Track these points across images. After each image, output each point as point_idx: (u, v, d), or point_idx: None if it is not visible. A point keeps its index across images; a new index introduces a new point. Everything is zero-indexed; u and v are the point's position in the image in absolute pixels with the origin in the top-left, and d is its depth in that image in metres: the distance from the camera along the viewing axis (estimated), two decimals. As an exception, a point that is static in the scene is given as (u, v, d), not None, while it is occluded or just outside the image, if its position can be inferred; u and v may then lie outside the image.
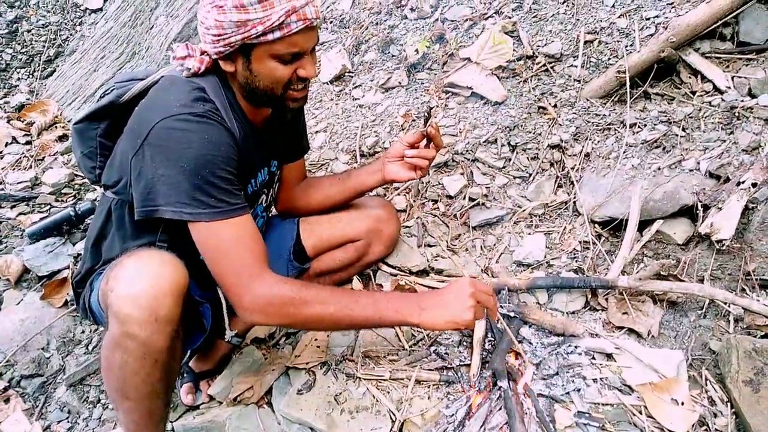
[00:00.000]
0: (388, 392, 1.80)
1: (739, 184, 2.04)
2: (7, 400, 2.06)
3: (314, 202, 2.07)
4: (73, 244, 2.64)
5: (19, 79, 3.93)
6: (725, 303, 1.93)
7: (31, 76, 3.96)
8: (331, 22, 3.32)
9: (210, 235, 1.43)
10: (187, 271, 1.42)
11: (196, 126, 1.42)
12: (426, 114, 1.81)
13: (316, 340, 1.97)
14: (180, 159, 1.38)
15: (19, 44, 3.97)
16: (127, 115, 1.57)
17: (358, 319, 1.49)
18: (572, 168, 2.42)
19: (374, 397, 1.78)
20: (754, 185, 2.01)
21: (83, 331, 2.32)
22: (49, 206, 2.97)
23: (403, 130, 2.69)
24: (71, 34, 4.09)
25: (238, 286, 1.43)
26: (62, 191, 3.06)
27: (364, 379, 1.82)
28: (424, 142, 1.86)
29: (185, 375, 1.98)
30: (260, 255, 1.47)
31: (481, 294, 1.49)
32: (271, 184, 1.91)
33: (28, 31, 4.00)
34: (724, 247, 2.00)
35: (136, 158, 1.44)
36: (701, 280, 2.04)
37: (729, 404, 1.68)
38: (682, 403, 1.67)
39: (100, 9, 4.11)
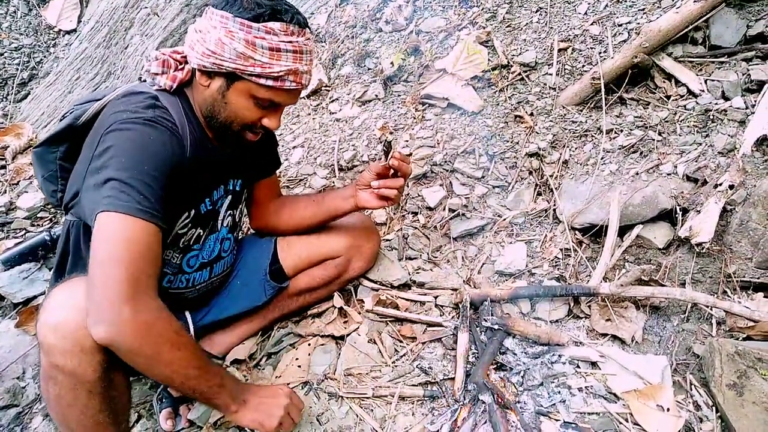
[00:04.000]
0: (372, 410, 1.77)
1: (716, 186, 2.05)
2: (-19, 433, 2.01)
3: (289, 222, 2.03)
4: (49, 270, 2.58)
5: (-8, 103, 3.88)
6: (707, 306, 1.92)
7: (4, 99, 3.91)
8: (306, 37, 3.30)
9: (118, 228, 1.27)
10: None
11: (141, 127, 1.39)
12: (385, 147, 1.77)
13: (297, 359, 1.94)
14: (118, 157, 1.33)
15: (-9, 68, 3.93)
16: (85, 137, 1.54)
17: (202, 384, 1.39)
18: (551, 175, 2.41)
19: (357, 416, 1.75)
20: (731, 187, 2.02)
21: (60, 359, 2.26)
22: (24, 231, 2.91)
23: (381, 142, 2.68)
24: (45, 56, 4.05)
25: (126, 292, 1.23)
26: (38, 215, 3.01)
27: (347, 398, 1.79)
28: (392, 171, 1.84)
29: (164, 400, 1.92)
30: (156, 275, 1.35)
31: (293, 408, 1.53)
32: (235, 204, 1.85)
33: (1, 54, 3.95)
34: (704, 250, 2.00)
35: (89, 169, 1.39)
36: (683, 284, 2.04)
37: (714, 408, 1.67)
38: (668, 409, 1.66)
39: (74, 30, 4.08)
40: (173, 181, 1.42)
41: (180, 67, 1.56)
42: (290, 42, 1.42)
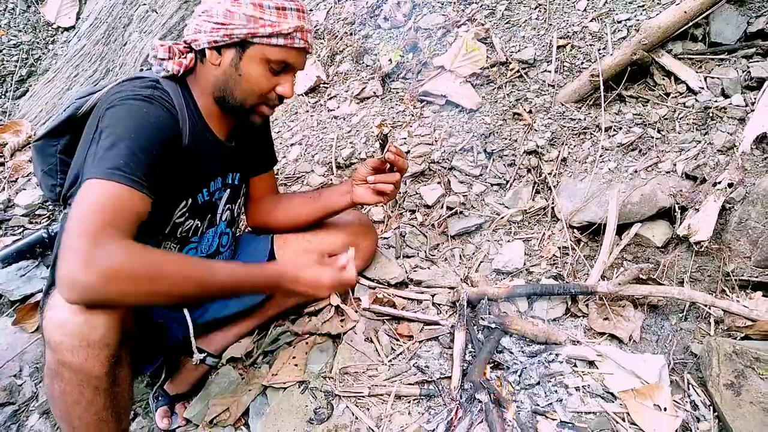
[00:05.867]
0: (368, 409, 1.76)
1: (715, 184, 2.03)
2: (-23, 431, 2.00)
3: (285, 219, 2.03)
4: (47, 267, 2.58)
5: (-10, 100, 3.87)
6: (705, 305, 1.91)
7: (3, 96, 3.90)
8: (305, 34, 3.29)
9: (93, 192, 1.26)
10: None
11: (138, 102, 1.41)
12: (381, 140, 1.76)
13: (293, 358, 1.94)
14: (110, 128, 1.34)
15: (-10, 65, 3.92)
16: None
17: (209, 293, 1.37)
18: (549, 173, 2.40)
19: (354, 415, 1.74)
20: (730, 185, 2.01)
21: (57, 356, 2.26)
22: (22, 228, 2.91)
23: (377, 137, 2.67)
24: (43, 53, 4.04)
25: (86, 246, 1.17)
26: (36, 213, 3.00)
27: (343, 397, 1.79)
28: (388, 166, 1.83)
29: (160, 398, 1.93)
30: (129, 230, 1.28)
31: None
32: (234, 199, 1.86)
33: (-1, 51, 3.95)
34: (702, 249, 1.99)
35: (88, 151, 1.38)
36: (681, 283, 2.03)
37: (711, 408, 1.66)
38: (665, 409, 1.65)
39: (73, 27, 4.07)
40: (165, 156, 1.42)
41: (183, 55, 1.58)
42: (292, 1, 1.49)
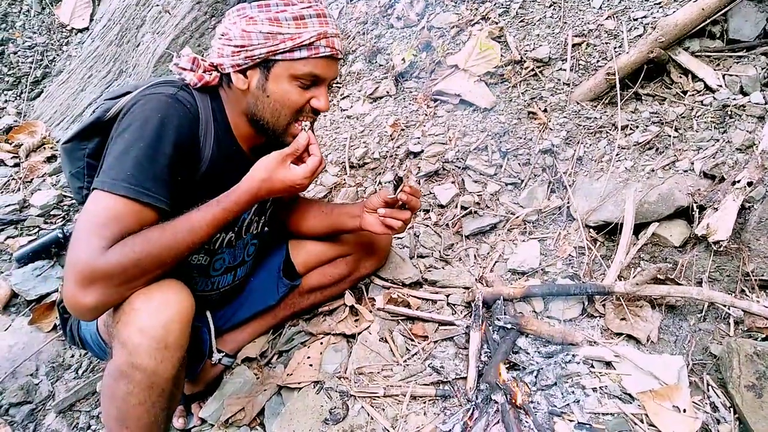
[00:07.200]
0: (383, 409, 1.75)
1: (734, 183, 2.01)
2: (-5, 430, 2.02)
3: (301, 227, 2.02)
4: (62, 267, 2.60)
5: (6, 101, 3.90)
6: (724, 306, 1.89)
7: (18, 97, 3.94)
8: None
9: (100, 204, 1.30)
10: (192, 297, 1.39)
11: (156, 105, 1.39)
12: (395, 182, 1.73)
13: (308, 358, 1.93)
14: (125, 137, 1.35)
15: (5, 66, 3.95)
16: None
17: (205, 232, 1.39)
18: (565, 172, 2.38)
19: (369, 415, 1.73)
20: (749, 184, 1.98)
21: (73, 356, 2.28)
22: (37, 228, 2.93)
23: (392, 140, 2.66)
24: (58, 55, 4.07)
25: (84, 265, 1.24)
26: (51, 213, 3.02)
27: (358, 397, 1.78)
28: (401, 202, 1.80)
29: (176, 398, 1.93)
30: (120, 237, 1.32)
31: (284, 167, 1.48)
32: (261, 211, 1.85)
33: (15, 53, 3.98)
34: (721, 248, 1.97)
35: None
36: (699, 283, 2.00)
37: (732, 410, 1.64)
38: (684, 410, 1.63)
39: (86, 28, 4.10)
40: (180, 161, 1.41)
41: (209, 72, 1.53)
42: (310, 7, 1.41)
